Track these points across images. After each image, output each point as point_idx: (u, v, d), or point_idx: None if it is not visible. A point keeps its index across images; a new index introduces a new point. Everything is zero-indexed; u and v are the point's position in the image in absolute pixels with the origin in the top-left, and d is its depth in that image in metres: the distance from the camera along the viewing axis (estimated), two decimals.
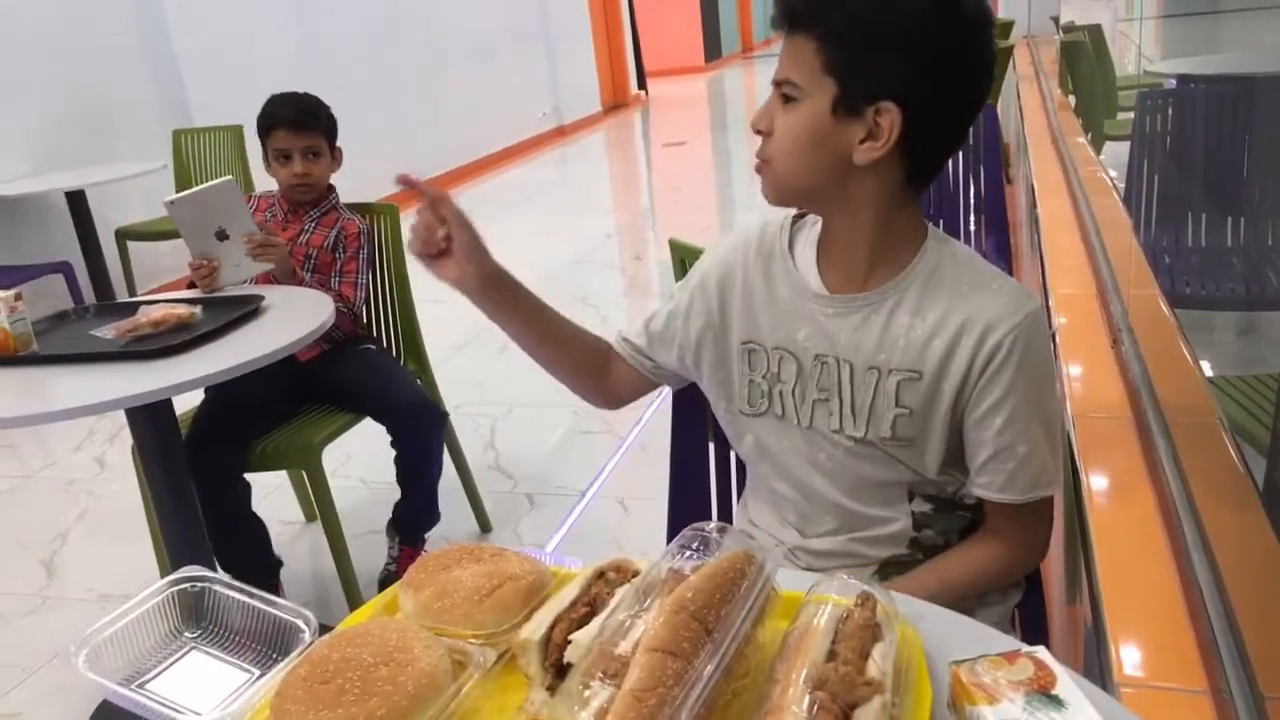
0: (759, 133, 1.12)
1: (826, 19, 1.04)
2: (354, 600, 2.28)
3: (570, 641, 0.83)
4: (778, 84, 1.09)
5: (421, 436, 2.44)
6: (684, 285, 1.30)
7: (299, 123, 2.40)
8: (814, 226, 1.21)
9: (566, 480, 3.01)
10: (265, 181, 2.53)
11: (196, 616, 0.93)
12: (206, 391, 2.33)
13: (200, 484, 2.10)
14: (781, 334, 1.19)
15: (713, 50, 15.09)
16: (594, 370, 1.36)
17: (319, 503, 2.24)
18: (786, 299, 1.19)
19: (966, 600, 1.17)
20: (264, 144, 2.44)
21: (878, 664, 0.78)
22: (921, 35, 1.03)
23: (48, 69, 4.64)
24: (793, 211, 1.23)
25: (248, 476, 2.27)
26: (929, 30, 1.03)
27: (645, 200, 7.79)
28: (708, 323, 1.25)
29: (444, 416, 2.50)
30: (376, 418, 2.41)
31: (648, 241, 6.22)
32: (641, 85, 12.39)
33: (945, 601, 1.01)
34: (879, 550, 1.20)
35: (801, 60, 1.06)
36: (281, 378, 2.21)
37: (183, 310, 1.96)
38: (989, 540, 1.18)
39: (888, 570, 1.20)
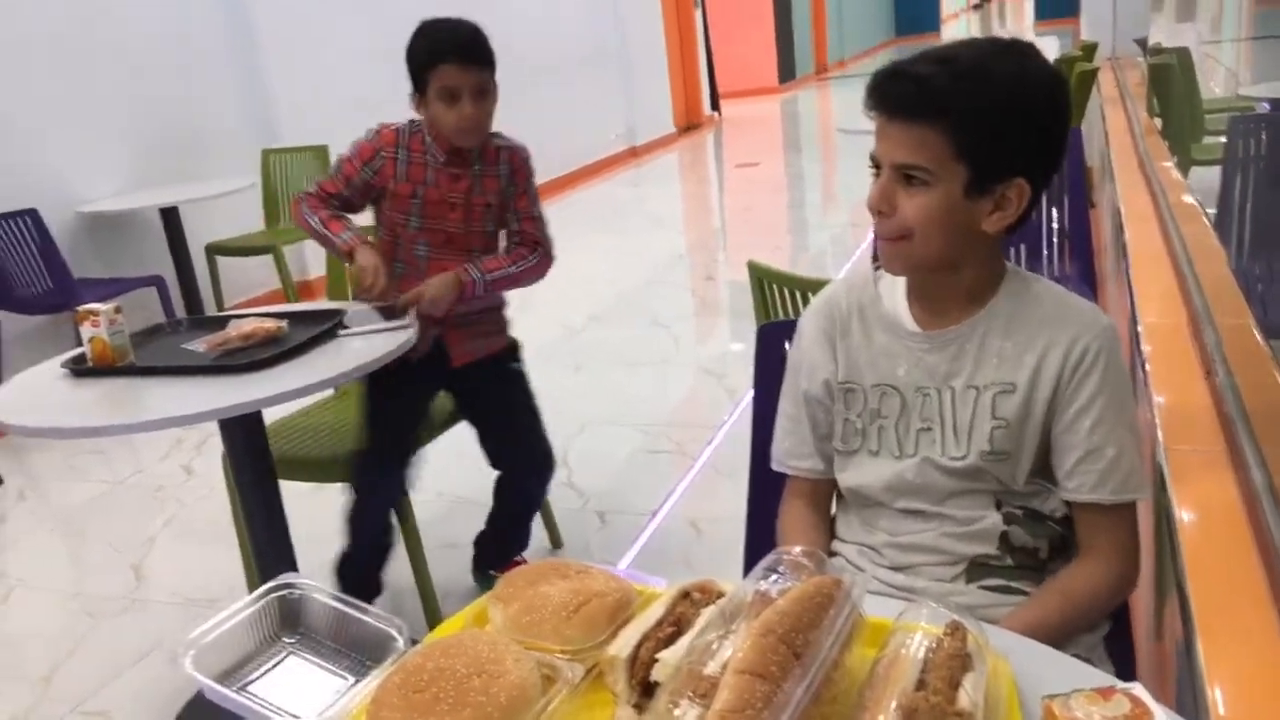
0: (879, 213, 1.16)
1: (955, 111, 1.09)
2: (431, 612, 2.31)
3: (657, 660, 0.85)
4: (899, 167, 1.13)
5: (537, 489, 2.48)
6: (784, 407, 1.36)
7: (471, 56, 2.05)
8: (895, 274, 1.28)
9: (637, 499, 3.02)
10: None
11: (293, 623, 0.97)
12: (371, 417, 2.27)
13: (367, 503, 2.18)
14: (882, 372, 1.26)
15: (786, 71, 15.07)
16: (826, 517, 1.39)
17: (400, 515, 2.28)
18: (884, 341, 1.26)
19: (1091, 619, 1.20)
20: (422, 79, 2.07)
21: (969, 694, 0.77)
22: (1038, 113, 1.12)
23: (148, 91, 4.83)
24: (870, 265, 1.31)
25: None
26: (1042, 106, 1.12)
27: (717, 220, 7.80)
28: (824, 403, 1.31)
29: (554, 467, 2.49)
30: (496, 457, 2.39)
31: (719, 262, 6.22)
32: (715, 106, 12.43)
33: (1072, 621, 1.14)
34: (968, 546, 1.22)
35: (929, 146, 1.11)
36: (434, 381, 2.21)
37: (270, 324, 2.02)
38: (1090, 556, 1.20)
39: (975, 572, 1.22)
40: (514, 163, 2.21)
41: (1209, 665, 1.00)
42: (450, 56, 2.03)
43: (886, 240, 1.18)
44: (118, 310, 1.96)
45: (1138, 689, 0.77)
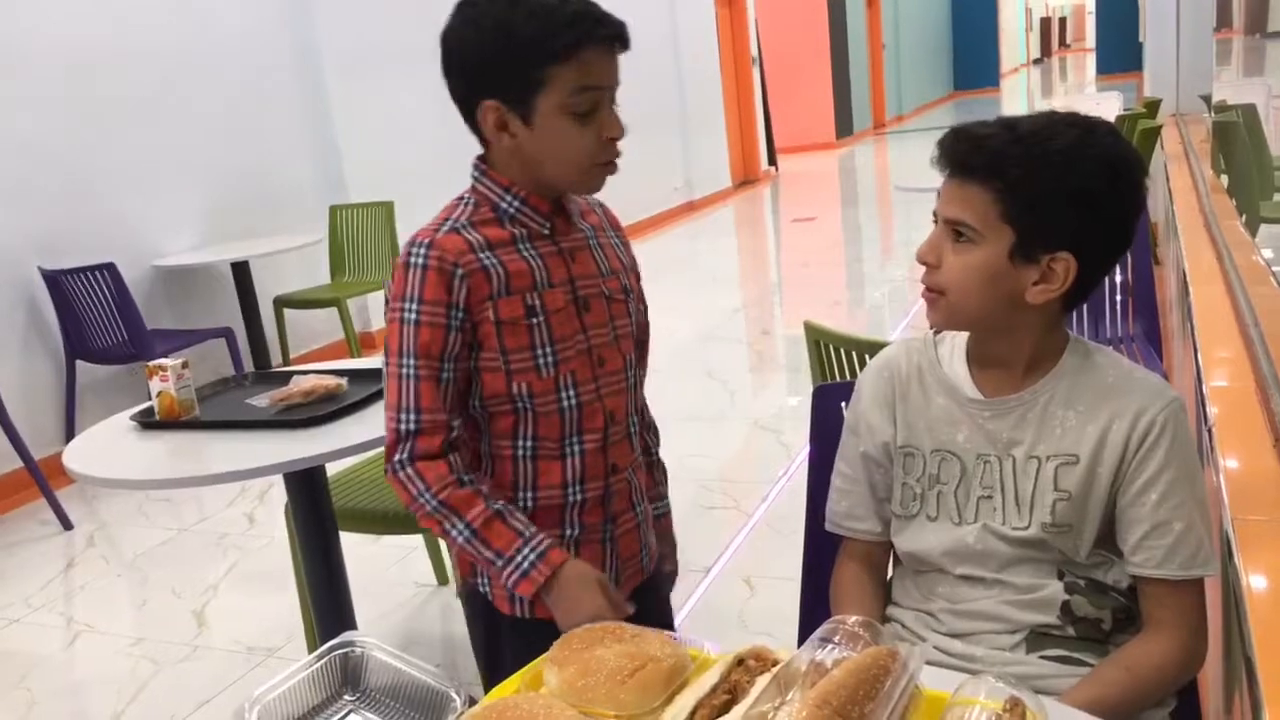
0: (926, 264, 1.18)
1: (1005, 173, 1.10)
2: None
3: None
4: (950, 222, 1.15)
5: None
6: (841, 467, 1.36)
7: (623, 35, 1.23)
8: (955, 337, 1.28)
9: (691, 555, 2.99)
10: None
11: (355, 681, 0.98)
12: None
13: None
14: (941, 437, 1.25)
15: (844, 127, 15.14)
16: (881, 582, 1.38)
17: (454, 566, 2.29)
18: (944, 406, 1.25)
19: (1156, 695, 1.17)
20: (528, 81, 1.20)
21: None
22: (1095, 193, 1.10)
23: (223, 150, 5.03)
24: (929, 329, 1.30)
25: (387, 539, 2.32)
26: (1102, 188, 1.10)
27: (773, 275, 7.81)
28: (883, 465, 1.30)
29: None
30: None
31: (775, 316, 6.23)
32: (772, 161, 12.51)
33: (1136, 698, 1.12)
34: (1029, 615, 1.20)
35: (977, 206, 1.12)
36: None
37: (330, 381, 2.06)
38: (1156, 631, 1.18)
39: (1036, 641, 1.20)
40: (615, 220, 1.46)
41: None
42: (592, 38, 1.19)
43: (926, 293, 1.20)
44: (185, 366, 2.03)
45: None
